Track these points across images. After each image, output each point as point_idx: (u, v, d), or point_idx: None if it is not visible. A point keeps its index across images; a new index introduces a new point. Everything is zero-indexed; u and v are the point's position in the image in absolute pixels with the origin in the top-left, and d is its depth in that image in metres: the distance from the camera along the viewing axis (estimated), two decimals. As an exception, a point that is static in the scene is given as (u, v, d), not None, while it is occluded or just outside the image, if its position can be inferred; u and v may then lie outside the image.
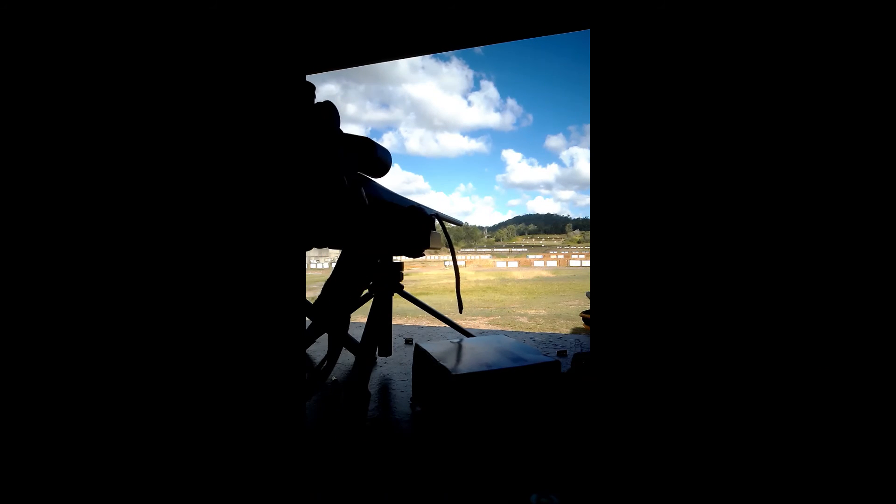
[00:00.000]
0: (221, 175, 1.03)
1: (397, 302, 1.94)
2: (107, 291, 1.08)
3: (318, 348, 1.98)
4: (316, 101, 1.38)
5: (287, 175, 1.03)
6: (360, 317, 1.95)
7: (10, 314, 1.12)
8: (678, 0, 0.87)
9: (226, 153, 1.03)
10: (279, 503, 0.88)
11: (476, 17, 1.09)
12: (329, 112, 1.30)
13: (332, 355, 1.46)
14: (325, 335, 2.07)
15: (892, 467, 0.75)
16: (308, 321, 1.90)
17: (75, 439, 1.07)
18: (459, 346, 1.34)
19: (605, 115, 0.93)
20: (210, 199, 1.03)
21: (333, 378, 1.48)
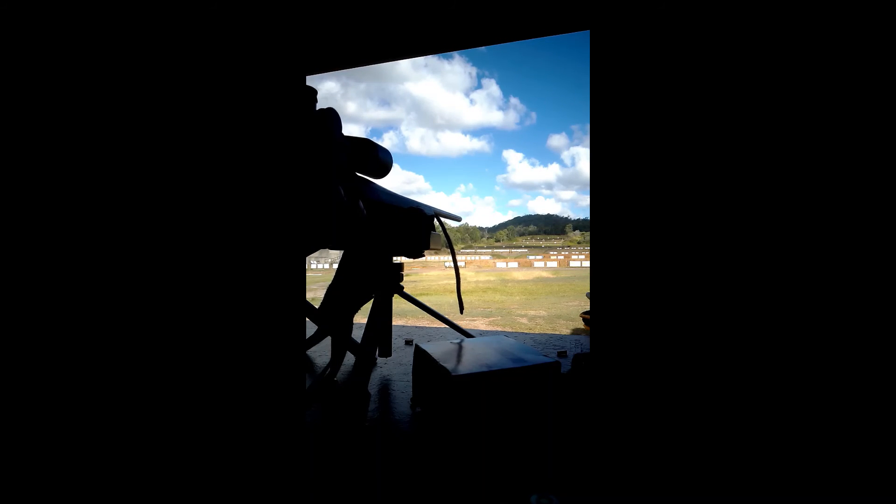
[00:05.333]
0: (219, 178, 1.03)
1: (397, 303, 1.94)
2: (109, 295, 1.08)
3: (319, 348, 1.98)
4: (316, 104, 1.38)
5: (284, 179, 1.03)
6: (360, 318, 1.95)
7: (13, 315, 1.12)
8: (678, 1, 0.87)
9: (223, 156, 1.03)
10: (279, 503, 0.87)
11: (476, 17, 1.09)
12: (329, 119, 1.29)
13: (336, 362, 1.46)
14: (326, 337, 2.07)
15: (890, 465, 0.75)
16: (308, 323, 1.89)
17: (79, 440, 1.07)
18: (459, 347, 1.34)
19: (605, 116, 0.94)
20: (207, 201, 1.04)
21: (334, 379, 1.48)
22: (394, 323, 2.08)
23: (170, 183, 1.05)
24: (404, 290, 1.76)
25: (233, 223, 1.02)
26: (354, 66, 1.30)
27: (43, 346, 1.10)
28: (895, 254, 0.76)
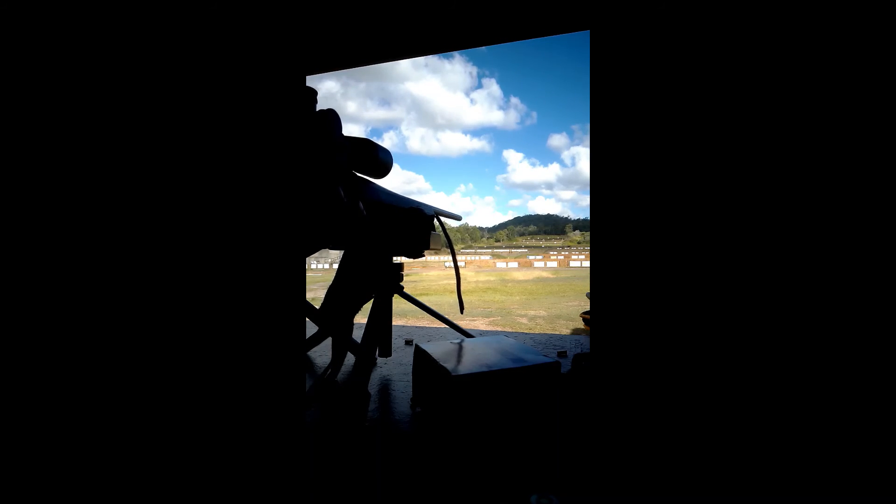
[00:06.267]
0: (219, 179, 1.03)
1: (397, 303, 1.94)
2: (110, 295, 1.08)
3: (320, 349, 1.98)
4: (317, 105, 1.38)
5: (284, 180, 1.03)
6: (360, 318, 1.95)
7: (11, 315, 1.12)
8: (678, 1, 0.87)
9: (223, 157, 1.03)
10: (279, 503, 0.88)
11: (476, 17, 1.09)
12: (329, 120, 1.29)
13: (336, 362, 1.46)
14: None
15: (890, 465, 0.75)
16: (309, 323, 1.90)
17: (80, 440, 1.07)
18: (459, 347, 1.34)
19: (605, 116, 0.94)
20: (207, 201, 1.04)
21: (335, 380, 1.48)
22: (394, 323, 2.08)
23: (169, 183, 1.05)
24: (404, 290, 1.76)
25: (233, 224, 1.02)
26: (354, 66, 1.30)
27: (44, 347, 1.10)
28: (894, 254, 0.76)
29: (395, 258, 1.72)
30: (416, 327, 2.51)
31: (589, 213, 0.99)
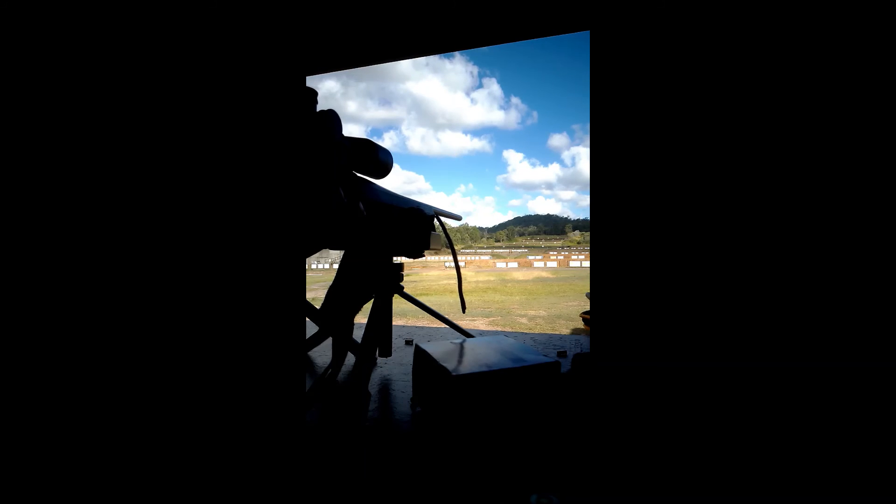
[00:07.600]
0: (218, 179, 1.03)
1: (397, 303, 1.94)
2: (108, 296, 1.08)
3: (320, 349, 1.98)
4: (317, 105, 1.38)
5: (284, 181, 1.03)
6: (359, 318, 1.95)
7: (9, 315, 1.12)
8: (678, 1, 0.87)
9: (223, 158, 1.03)
10: (279, 503, 0.88)
11: (476, 17, 1.09)
12: (329, 121, 1.29)
13: (337, 362, 1.46)
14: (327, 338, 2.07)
15: (890, 465, 0.76)
16: (309, 323, 1.89)
17: (79, 440, 1.07)
18: (460, 347, 1.34)
19: (605, 116, 0.94)
20: (206, 202, 1.04)
21: (335, 380, 1.48)
22: (394, 323, 2.08)
23: (169, 184, 1.05)
24: (404, 290, 1.76)
25: (233, 224, 1.02)
26: (355, 67, 1.30)
27: (43, 347, 1.10)
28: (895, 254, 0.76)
29: (395, 258, 1.72)
30: (416, 327, 2.51)
31: (589, 213, 0.99)
